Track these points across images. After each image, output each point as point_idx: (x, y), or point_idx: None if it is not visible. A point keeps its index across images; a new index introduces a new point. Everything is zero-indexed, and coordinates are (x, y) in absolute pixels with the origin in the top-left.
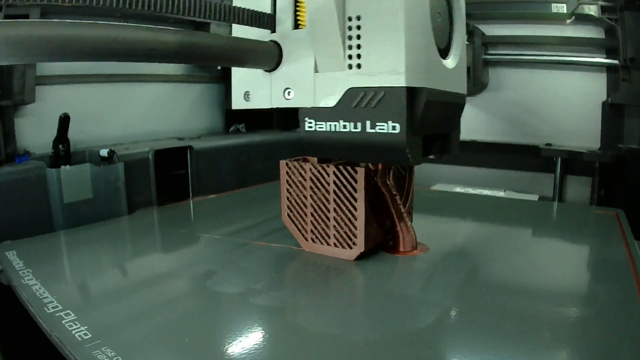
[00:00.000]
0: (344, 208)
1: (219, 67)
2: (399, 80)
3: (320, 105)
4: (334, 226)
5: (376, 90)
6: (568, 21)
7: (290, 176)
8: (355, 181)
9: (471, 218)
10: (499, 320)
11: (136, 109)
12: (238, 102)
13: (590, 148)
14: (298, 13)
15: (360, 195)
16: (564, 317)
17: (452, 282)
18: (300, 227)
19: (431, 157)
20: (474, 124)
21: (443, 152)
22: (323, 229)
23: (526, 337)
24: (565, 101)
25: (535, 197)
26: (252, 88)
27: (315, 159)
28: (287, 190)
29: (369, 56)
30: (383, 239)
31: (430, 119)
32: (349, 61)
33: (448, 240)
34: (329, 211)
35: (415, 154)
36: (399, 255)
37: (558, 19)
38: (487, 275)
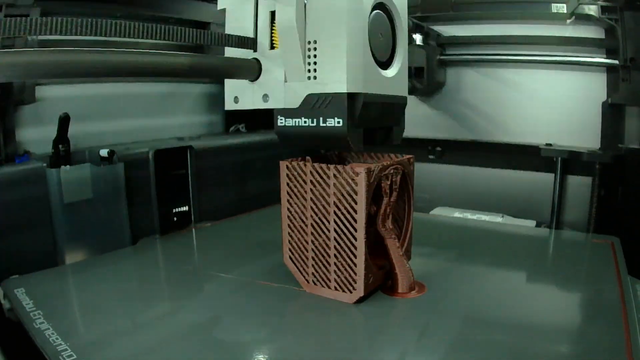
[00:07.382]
0: (342, 252)
1: None
2: (342, 88)
3: (288, 107)
4: (335, 271)
5: (326, 95)
6: (568, 21)
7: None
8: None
9: (468, 251)
10: None
11: (136, 108)
12: (229, 104)
13: (590, 148)
14: (273, 37)
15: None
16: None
17: (449, 326)
18: (301, 269)
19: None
20: (471, 123)
21: (386, 141)
22: (324, 273)
23: None
24: (565, 101)
25: (532, 223)
26: (240, 93)
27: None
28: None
29: (322, 70)
30: (382, 281)
31: (369, 116)
32: (308, 74)
33: (445, 278)
34: (329, 257)
35: (356, 142)
36: (397, 297)
37: (558, 19)
38: (483, 315)
